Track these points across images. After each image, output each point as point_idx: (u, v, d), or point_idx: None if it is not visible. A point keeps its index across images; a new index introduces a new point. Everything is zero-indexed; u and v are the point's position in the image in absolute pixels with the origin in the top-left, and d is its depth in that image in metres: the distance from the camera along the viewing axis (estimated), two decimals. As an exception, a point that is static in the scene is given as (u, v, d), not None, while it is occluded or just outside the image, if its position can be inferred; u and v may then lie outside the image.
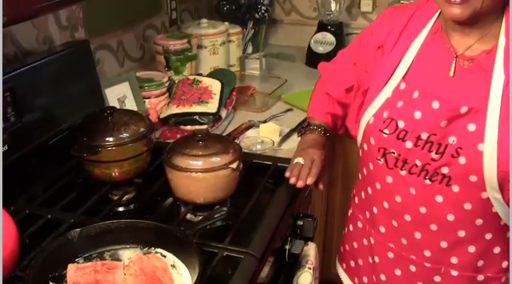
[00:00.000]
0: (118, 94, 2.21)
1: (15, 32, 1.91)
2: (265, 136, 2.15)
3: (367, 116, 1.63)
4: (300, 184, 1.71)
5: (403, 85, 1.57)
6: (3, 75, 1.67)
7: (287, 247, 1.74)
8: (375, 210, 1.69)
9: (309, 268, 1.80)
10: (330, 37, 3.06)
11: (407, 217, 1.59)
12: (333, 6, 3.10)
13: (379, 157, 1.60)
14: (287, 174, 1.75)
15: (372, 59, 1.70)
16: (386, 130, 1.57)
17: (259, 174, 1.85)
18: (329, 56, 3.02)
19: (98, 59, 2.37)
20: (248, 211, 1.66)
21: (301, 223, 1.84)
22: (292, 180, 1.72)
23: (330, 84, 1.87)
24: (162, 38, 2.57)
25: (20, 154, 1.71)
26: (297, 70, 3.03)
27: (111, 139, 1.71)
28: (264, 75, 2.79)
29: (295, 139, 2.08)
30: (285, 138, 2.19)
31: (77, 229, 1.43)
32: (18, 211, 1.63)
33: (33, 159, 1.77)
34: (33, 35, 2.01)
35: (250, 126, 2.22)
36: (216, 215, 1.53)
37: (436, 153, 1.49)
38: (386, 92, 1.59)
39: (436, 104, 1.48)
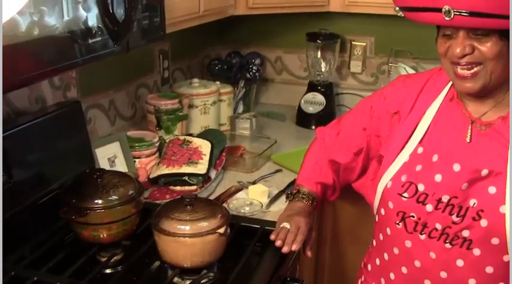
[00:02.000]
0: (108, 154, 2.22)
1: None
2: (254, 198, 2.16)
3: (385, 181, 1.64)
4: (285, 249, 1.72)
5: (420, 150, 1.60)
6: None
7: (275, 311, 1.73)
8: (392, 276, 1.68)
9: (296, 333, 1.79)
10: (319, 97, 3.10)
11: (427, 282, 1.58)
12: (323, 67, 3.15)
13: (397, 222, 1.60)
14: (272, 237, 1.76)
15: (386, 124, 1.74)
16: (405, 194, 1.58)
17: (247, 237, 1.85)
18: (319, 116, 3.06)
19: (89, 118, 2.39)
20: (236, 275, 1.65)
21: (289, 287, 1.84)
22: (278, 243, 1.73)
23: (336, 151, 1.89)
24: (154, 98, 2.59)
25: (8, 215, 1.70)
26: (287, 130, 3.06)
27: (100, 201, 1.72)
28: (254, 135, 2.80)
29: (283, 201, 2.09)
30: (274, 199, 2.19)
31: (63, 295, 1.42)
32: (4, 272, 1.61)
33: (22, 219, 1.77)
34: (26, 95, 2.03)
35: (239, 189, 2.23)
36: (203, 281, 1.54)
37: (457, 216, 1.50)
38: (403, 157, 1.62)
39: (457, 167, 1.51)
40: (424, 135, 1.62)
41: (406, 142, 1.64)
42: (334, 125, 1.97)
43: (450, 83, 1.62)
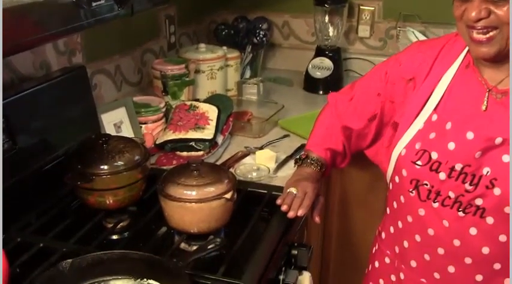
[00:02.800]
0: (114, 120, 2.20)
1: (12, 58, 1.91)
2: (261, 164, 2.14)
3: (399, 148, 1.63)
4: (291, 214, 1.71)
5: (435, 117, 1.57)
6: (-2, 102, 1.68)
7: (281, 277, 1.72)
8: (405, 244, 1.67)
9: (304, 298, 1.79)
10: (327, 62, 3.06)
11: (441, 251, 1.57)
12: (331, 31, 3.10)
13: (411, 189, 1.59)
14: (279, 201, 1.75)
15: (401, 90, 1.71)
16: (419, 162, 1.56)
17: (254, 203, 1.84)
18: (327, 81, 3.03)
19: (95, 84, 2.37)
20: (242, 241, 1.65)
21: (296, 252, 1.82)
22: (284, 207, 1.71)
23: (349, 117, 1.87)
24: (160, 63, 2.57)
25: (13, 181, 1.70)
26: (294, 95, 3.03)
27: (105, 167, 1.71)
28: (261, 100, 2.78)
29: (291, 167, 2.07)
30: (281, 165, 2.18)
31: (69, 260, 1.42)
32: (11, 238, 1.62)
33: (27, 186, 1.77)
34: (30, 61, 2.01)
35: (246, 154, 2.21)
36: (209, 247, 1.52)
37: (470, 184, 1.48)
38: (418, 124, 1.60)
39: (470, 135, 1.49)
40: (439, 102, 1.59)
41: (421, 109, 1.62)
42: (346, 91, 1.95)
43: (466, 50, 1.59)
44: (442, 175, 1.52)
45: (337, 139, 1.90)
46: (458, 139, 1.51)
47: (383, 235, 1.80)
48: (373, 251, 1.88)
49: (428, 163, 1.55)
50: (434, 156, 1.54)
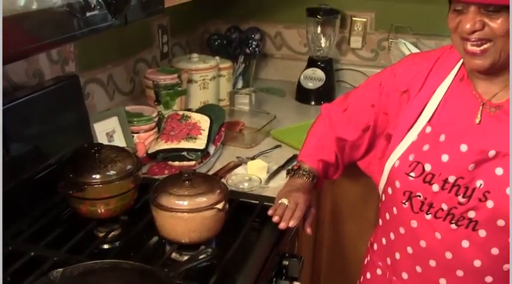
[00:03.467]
0: (107, 129, 2.21)
1: (5, 66, 1.91)
2: (253, 174, 2.15)
3: (392, 160, 1.63)
4: (282, 225, 1.71)
5: (428, 129, 1.58)
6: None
7: (272, 288, 1.73)
8: (397, 255, 1.67)
9: (295, 309, 1.79)
10: (319, 73, 3.08)
11: (432, 263, 1.58)
12: (323, 42, 3.12)
13: (404, 201, 1.59)
14: (270, 212, 1.75)
15: (395, 102, 1.72)
16: (412, 173, 1.57)
17: (245, 213, 1.85)
18: (319, 92, 3.05)
19: (87, 93, 2.37)
20: (234, 251, 1.65)
21: (287, 263, 1.82)
22: (275, 218, 1.72)
23: (343, 128, 1.88)
24: (153, 73, 2.57)
25: (6, 189, 1.69)
26: (286, 105, 3.04)
27: (97, 176, 1.71)
28: (253, 110, 2.79)
29: (282, 177, 2.08)
30: (273, 175, 2.19)
31: (59, 270, 1.40)
32: (1, 247, 1.61)
33: (19, 194, 1.76)
34: (23, 69, 2.01)
35: (238, 164, 2.21)
36: (201, 257, 1.53)
37: (463, 197, 1.49)
38: (412, 136, 1.61)
39: (464, 147, 1.50)
40: (433, 114, 1.60)
41: (415, 121, 1.63)
42: (340, 101, 1.95)
43: (460, 62, 1.60)
44: (435, 187, 1.53)
45: (330, 151, 1.91)
46: (452, 152, 1.51)
47: (375, 246, 1.81)
48: (365, 262, 1.89)
49: (422, 175, 1.56)
50: (428, 167, 1.55)
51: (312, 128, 2.00)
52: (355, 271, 1.95)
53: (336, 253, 2.68)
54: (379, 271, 1.78)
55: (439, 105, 1.60)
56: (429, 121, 1.60)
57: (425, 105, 1.62)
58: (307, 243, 2.55)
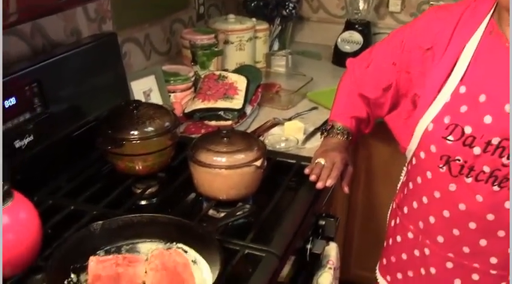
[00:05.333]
0: (144, 88, 2.21)
1: (43, 24, 1.92)
2: (289, 134, 2.14)
3: (424, 123, 1.56)
4: (319, 185, 1.70)
5: (463, 89, 1.51)
6: (30, 66, 1.69)
7: (308, 246, 1.73)
8: (431, 219, 1.63)
9: (330, 268, 1.79)
10: (357, 36, 3.04)
11: (472, 225, 1.54)
12: (361, 5, 3.07)
13: (441, 165, 1.54)
14: (307, 171, 1.74)
15: (418, 60, 1.63)
16: (450, 137, 1.51)
17: (282, 172, 1.84)
18: (356, 55, 2.98)
19: (124, 52, 2.37)
20: (270, 210, 1.65)
21: (324, 222, 1.83)
22: (312, 177, 1.71)
23: (365, 85, 1.82)
24: (189, 33, 2.56)
25: (45, 144, 1.72)
26: (323, 68, 3.01)
27: (135, 132, 1.71)
28: (289, 72, 2.77)
29: (319, 138, 2.06)
30: (309, 136, 2.17)
31: (99, 222, 1.43)
32: (42, 201, 1.64)
33: (58, 150, 1.78)
34: (62, 27, 2.02)
35: (275, 124, 2.20)
36: (238, 213, 1.53)
37: (508, 158, 1.44)
38: (444, 97, 1.53)
39: (508, 107, 1.43)
40: (465, 72, 1.51)
41: (445, 80, 1.55)
42: (365, 56, 1.89)
43: (489, 16, 1.52)
44: (477, 150, 1.47)
45: (360, 107, 1.86)
46: (496, 112, 1.44)
47: (405, 209, 1.76)
48: (392, 224, 1.85)
49: (461, 138, 1.49)
50: (468, 130, 1.48)
51: (340, 85, 1.96)
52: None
53: (370, 214, 2.68)
54: (410, 235, 1.74)
55: (470, 62, 1.51)
56: (461, 80, 1.51)
57: (455, 63, 1.54)
58: (342, 204, 2.55)
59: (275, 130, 2.19)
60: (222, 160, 1.61)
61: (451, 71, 1.54)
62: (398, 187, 1.85)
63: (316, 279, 1.75)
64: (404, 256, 1.78)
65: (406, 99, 1.71)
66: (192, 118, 2.24)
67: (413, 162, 1.67)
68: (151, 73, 2.24)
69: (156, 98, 2.23)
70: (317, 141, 2.09)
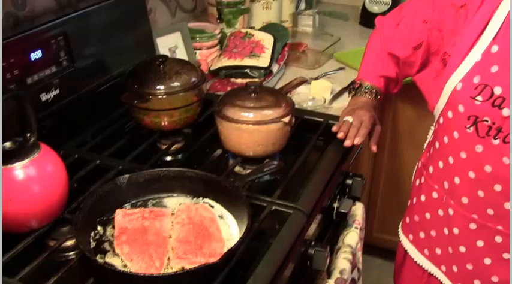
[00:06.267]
0: (169, 44, 2.19)
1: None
2: (316, 94, 2.11)
3: (453, 82, 1.52)
4: (347, 143, 1.68)
5: (495, 48, 1.46)
6: (56, 19, 1.68)
7: (335, 205, 1.71)
8: (456, 180, 1.60)
9: (356, 228, 1.77)
10: (385, -4, 2.98)
11: (498, 187, 1.50)
12: (390, -36, 3.01)
13: (468, 126, 1.50)
14: (334, 128, 1.72)
15: (451, 18, 1.58)
16: (479, 97, 1.46)
17: (309, 131, 1.82)
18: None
19: (150, 8, 2.34)
20: (297, 167, 1.63)
21: (350, 182, 1.81)
22: (340, 135, 1.68)
23: (395, 43, 1.78)
24: (216, -10, 2.53)
25: (70, 98, 1.71)
26: (350, 29, 2.96)
27: (162, 87, 1.69)
28: (316, 32, 2.73)
29: (346, 98, 2.03)
30: (337, 96, 2.15)
31: (126, 175, 1.42)
32: (68, 155, 1.64)
33: (83, 105, 1.78)
34: (88, -19, 1.99)
35: (302, 81, 2.17)
36: (265, 169, 1.51)
37: None
38: (475, 56, 1.49)
39: None
40: (498, 31, 1.46)
41: (477, 39, 1.50)
42: (394, 14, 1.84)
43: None
44: (506, 112, 1.44)
45: (389, 66, 1.83)
46: None
47: (430, 169, 1.73)
48: (417, 184, 1.82)
49: (490, 98, 1.46)
50: (498, 91, 1.44)
51: (368, 44, 1.92)
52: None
53: (394, 177, 2.67)
54: (435, 194, 1.72)
55: (504, 20, 1.46)
56: (494, 39, 1.46)
57: (488, 21, 1.48)
58: (367, 165, 2.53)
59: (302, 89, 2.17)
60: (250, 115, 1.58)
61: (484, 29, 1.49)
62: (424, 146, 1.82)
63: (342, 238, 1.74)
64: (427, 216, 1.76)
65: (436, 57, 1.67)
66: (218, 75, 2.22)
67: (441, 121, 1.63)
68: (177, 29, 2.22)
69: (181, 55, 2.21)
70: (344, 101, 2.07)
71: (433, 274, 1.75)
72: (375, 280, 2.80)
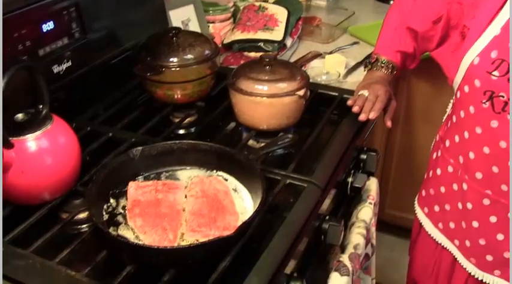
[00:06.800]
0: (182, 17, 2.17)
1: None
2: (330, 68, 2.09)
3: (471, 56, 1.50)
4: (362, 117, 1.65)
5: None
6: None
7: (350, 180, 1.70)
8: (471, 155, 1.58)
9: (370, 203, 1.76)
10: (401, -30, 2.93)
11: None
12: None
13: (484, 101, 1.48)
14: (350, 102, 1.69)
15: None
16: (495, 72, 1.44)
17: (323, 105, 1.80)
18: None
19: (162, -19, 2.32)
20: (312, 141, 1.61)
21: (365, 157, 1.79)
22: (355, 108, 1.66)
23: (414, 17, 1.75)
24: (229, -38, 2.50)
25: (83, 70, 1.70)
26: (365, 4, 2.93)
27: (175, 59, 1.68)
28: (330, 6, 2.71)
29: (361, 73, 2.01)
30: (351, 70, 2.12)
31: (139, 148, 1.41)
32: (80, 128, 1.62)
33: (95, 77, 1.76)
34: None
35: (317, 55, 2.15)
36: (280, 142, 1.49)
37: None
38: (494, 30, 1.46)
39: None
40: None
41: (497, 13, 1.47)
42: None
43: None
44: None
45: (407, 41, 1.80)
46: None
47: (447, 143, 1.71)
48: (434, 157, 1.81)
49: (507, 74, 1.44)
50: None
51: (386, 18, 1.89)
52: (424, 171, 1.89)
53: (407, 153, 2.65)
54: (450, 168, 1.70)
55: None
56: None
57: None
58: (380, 140, 2.51)
59: (316, 63, 2.15)
60: (264, 88, 1.57)
61: (504, 3, 1.47)
62: (443, 120, 1.80)
63: (356, 213, 1.72)
64: (442, 189, 1.74)
65: (455, 31, 1.64)
66: (231, 49, 2.20)
67: (458, 95, 1.61)
68: (190, 2, 2.19)
69: (194, 28, 2.19)
70: (359, 75, 2.05)
71: (446, 248, 1.74)
72: (387, 256, 2.78)
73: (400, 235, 2.77)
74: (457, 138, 1.63)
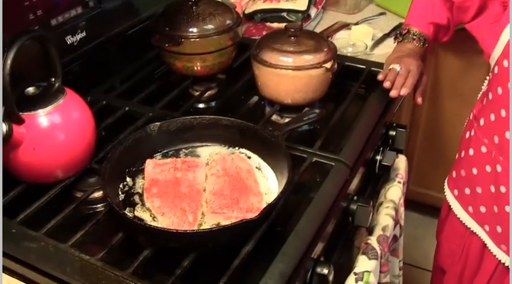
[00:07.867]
0: (201, -14, 2.08)
1: None
2: (356, 39, 2.01)
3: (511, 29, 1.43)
4: (393, 93, 1.57)
5: None
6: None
7: (378, 158, 1.62)
8: (507, 135, 1.50)
9: (399, 182, 1.68)
10: None
11: None
12: None
13: None
14: (380, 77, 1.61)
15: None
16: None
17: (351, 78, 1.72)
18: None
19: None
20: (339, 117, 1.54)
21: (394, 133, 1.71)
22: (387, 84, 1.58)
23: None
24: None
25: (98, 41, 1.63)
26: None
27: (194, 30, 1.61)
28: (356, -25, 2.62)
29: (389, 45, 1.94)
30: (378, 42, 2.04)
31: (157, 123, 1.35)
32: (95, 101, 1.57)
33: (111, 48, 1.70)
34: None
35: (343, 26, 2.07)
36: (305, 118, 1.41)
37: None
38: None
39: None
40: None
41: None
42: None
43: None
44: None
45: (440, 12, 1.72)
46: None
47: (481, 121, 1.63)
48: (467, 136, 1.73)
49: None
50: None
51: None
52: (451, 149, 1.81)
53: (433, 130, 2.59)
54: (483, 149, 1.62)
55: None
56: None
57: None
58: (405, 114, 2.44)
59: (341, 34, 2.07)
60: (289, 60, 1.49)
61: None
62: (478, 97, 1.71)
63: (384, 193, 1.65)
64: (474, 171, 1.66)
65: (496, 1, 1.55)
66: (253, 19, 2.15)
67: (495, 71, 1.53)
68: (209, -30, 2.11)
69: (215, -3, 2.11)
70: (386, 47, 1.97)
71: (475, 233, 1.66)
72: (411, 234, 2.71)
73: (424, 213, 2.73)
74: (492, 117, 1.54)
